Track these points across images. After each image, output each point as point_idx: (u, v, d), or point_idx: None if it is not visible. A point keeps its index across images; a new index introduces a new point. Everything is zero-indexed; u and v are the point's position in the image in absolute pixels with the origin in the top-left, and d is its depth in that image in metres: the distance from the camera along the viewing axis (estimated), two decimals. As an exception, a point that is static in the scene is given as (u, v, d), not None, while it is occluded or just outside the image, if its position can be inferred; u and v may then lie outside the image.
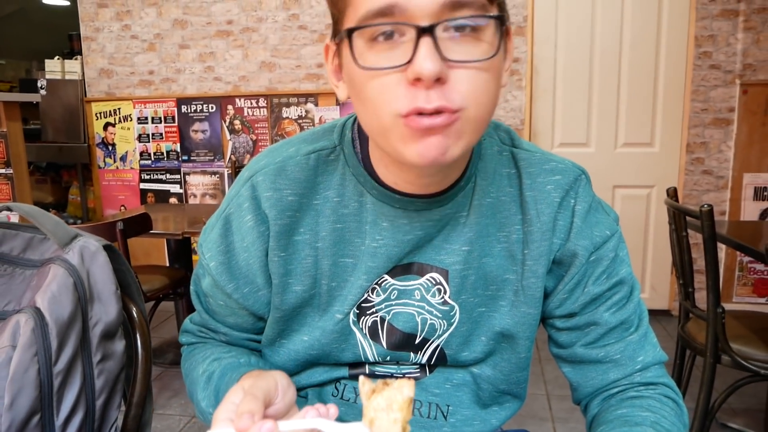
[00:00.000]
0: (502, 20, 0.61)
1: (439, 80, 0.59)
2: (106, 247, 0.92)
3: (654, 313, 3.80)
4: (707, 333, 2.05)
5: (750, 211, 3.63)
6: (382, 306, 0.81)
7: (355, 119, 0.81)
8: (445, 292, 0.81)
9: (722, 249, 3.60)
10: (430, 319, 0.82)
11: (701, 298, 2.17)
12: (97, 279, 0.90)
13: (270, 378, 0.63)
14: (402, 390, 0.57)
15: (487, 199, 0.80)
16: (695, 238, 3.06)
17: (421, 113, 0.60)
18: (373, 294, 0.81)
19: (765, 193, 3.60)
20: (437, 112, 0.60)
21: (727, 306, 2.99)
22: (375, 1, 0.59)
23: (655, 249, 3.80)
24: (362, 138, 0.79)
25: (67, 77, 4.35)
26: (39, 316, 0.82)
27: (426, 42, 0.58)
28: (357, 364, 0.86)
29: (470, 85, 0.61)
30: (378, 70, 0.61)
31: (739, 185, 3.61)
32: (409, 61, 0.59)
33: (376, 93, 0.62)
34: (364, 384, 0.59)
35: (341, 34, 0.65)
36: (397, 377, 0.85)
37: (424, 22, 0.58)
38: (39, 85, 4.33)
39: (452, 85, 0.60)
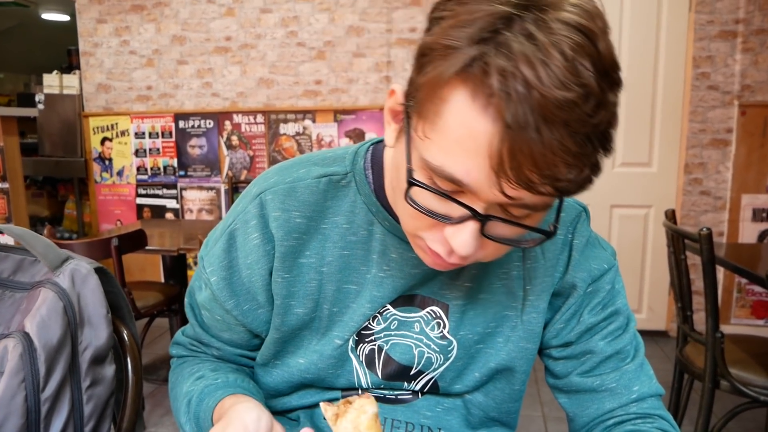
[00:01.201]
0: (549, 234, 0.61)
1: None
2: (97, 270, 0.91)
3: (651, 335, 3.79)
4: (706, 358, 2.04)
5: (749, 232, 3.62)
6: (381, 335, 0.81)
7: (368, 148, 0.81)
8: (444, 327, 0.81)
9: (721, 270, 3.59)
10: (428, 353, 0.81)
11: (699, 319, 2.15)
12: (88, 302, 0.88)
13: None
14: (365, 409, 0.56)
15: None
16: (693, 259, 3.05)
17: (438, 257, 0.64)
18: (373, 322, 0.80)
19: (763, 215, 3.60)
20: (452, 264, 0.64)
21: (726, 327, 2.95)
22: (454, 169, 0.55)
23: (653, 269, 3.80)
24: (375, 168, 0.79)
25: (65, 92, 4.35)
26: (27, 341, 0.81)
27: (473, 227, 0.58)
28: (350, 389, 0.85)
29: (491, 253, 0.64)
30: (423, 212, 0.60)
31: (738, 206, 3.61)
32: (451, 225, 0.59)
33: (412, 215, 0.63)
34: (326, 410, 0.58)
35: (409, 165, 0.61)
36: (389, 398, 0.85)
37: (482, 208, 0.57)
38: (37, 99, 4.34)
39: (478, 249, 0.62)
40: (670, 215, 2.32)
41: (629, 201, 3.77)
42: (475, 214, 0.57)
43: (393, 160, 0.68)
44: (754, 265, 2.19)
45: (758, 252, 2.63)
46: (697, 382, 2.16)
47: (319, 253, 0.79)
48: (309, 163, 0.82)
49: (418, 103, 0.57)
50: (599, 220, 3.76)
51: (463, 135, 0.53)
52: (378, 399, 0.85)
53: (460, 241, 0.59)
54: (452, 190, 0.57)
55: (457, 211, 0.58)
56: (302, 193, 0.78)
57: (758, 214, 3.60)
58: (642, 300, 3.85)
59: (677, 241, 2.18)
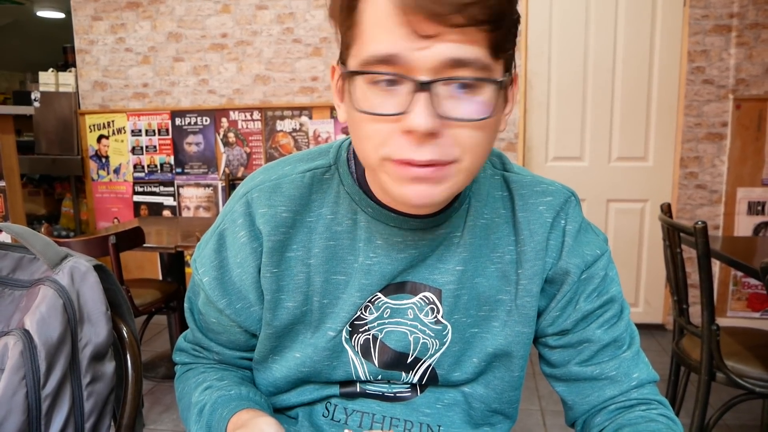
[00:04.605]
0: (501, 84, 0.61)
1: (432, 135, 0.60)
2: (96, 267, 0.91)
3: (648, 328, 3.80)
4: (702, 350, 2.05)
5: (744, 225, 3.64)
6: (375, 324, 0.81)
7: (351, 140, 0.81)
8: (438, 312, 0.81)
9: (716, 263, 3.60)
10: (423, 339, 0.82)
11: (696, 312, 2.16)
12: (87, 300, 0.89)
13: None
14: None
15: (480, 221, 0.81)
16: (689, 253, 3.06)
17: (411, 164, 0.62)
18: (366, 312, 0.81)
19: (759, 208, 3.61)
20: (428, 164, 0.62)
21: (722, 320, 2.96)
22: (378, 48, 0.60)
23: (649, 263, 3.81)
24: (358, 158, 0.80)
25: (61, 89, 4.34)
26: (27, 339, 0.81)
27: (422, 97, 0.59)
28: (348, 383, 0.86)
29: (465, 141, 0.62)
30: (375, 115, 0.62)
31: (733, 200, 3.62)
32: (404, 113, 0.60)
33: (371, 134, 0.64)
34: None
35: (344, 69, 0.65)
36: (388, 396, 0.85)
37: (424, 77, 0.59)
38: (33, 97, 4.32)
39: (446, 139, 0.61)
40: (666, 209, 2.32)
41: (625, 195, 3.78)
42: (417, 83, 0.59)
43: (350, 132, 0.70)
44: (749, 258, 2.19)
45: (754, 245, 2.64)
46: (694, 374, 2.17)
47: (306, 245, 0.79)
48: (294, 160, 0.83)
49: (344, 33, 0.64)
50: (595, 214, 3.76)
51: (375, 15, 0.60)
52: (376, 397, 0.85)
53: (415, 114, 0.59)
54: (388, 72, 0.60)
55: (405, 97, 0.60)
56: (287, 188, 0.79)
57: (753, 208, 3.61)
58: (639, 293, 3.86)
59: (673, 234, 2.19)
